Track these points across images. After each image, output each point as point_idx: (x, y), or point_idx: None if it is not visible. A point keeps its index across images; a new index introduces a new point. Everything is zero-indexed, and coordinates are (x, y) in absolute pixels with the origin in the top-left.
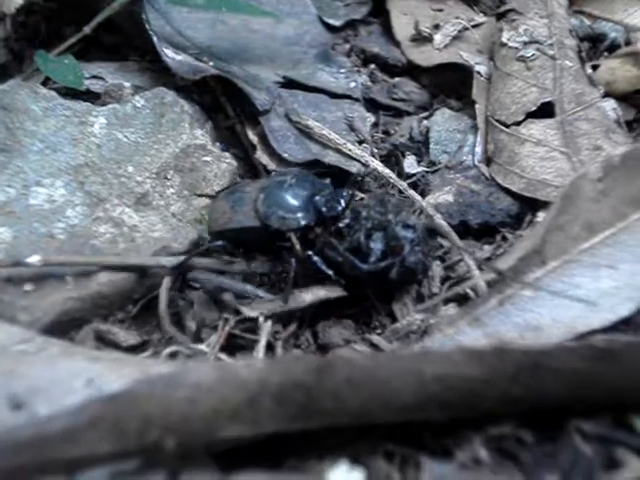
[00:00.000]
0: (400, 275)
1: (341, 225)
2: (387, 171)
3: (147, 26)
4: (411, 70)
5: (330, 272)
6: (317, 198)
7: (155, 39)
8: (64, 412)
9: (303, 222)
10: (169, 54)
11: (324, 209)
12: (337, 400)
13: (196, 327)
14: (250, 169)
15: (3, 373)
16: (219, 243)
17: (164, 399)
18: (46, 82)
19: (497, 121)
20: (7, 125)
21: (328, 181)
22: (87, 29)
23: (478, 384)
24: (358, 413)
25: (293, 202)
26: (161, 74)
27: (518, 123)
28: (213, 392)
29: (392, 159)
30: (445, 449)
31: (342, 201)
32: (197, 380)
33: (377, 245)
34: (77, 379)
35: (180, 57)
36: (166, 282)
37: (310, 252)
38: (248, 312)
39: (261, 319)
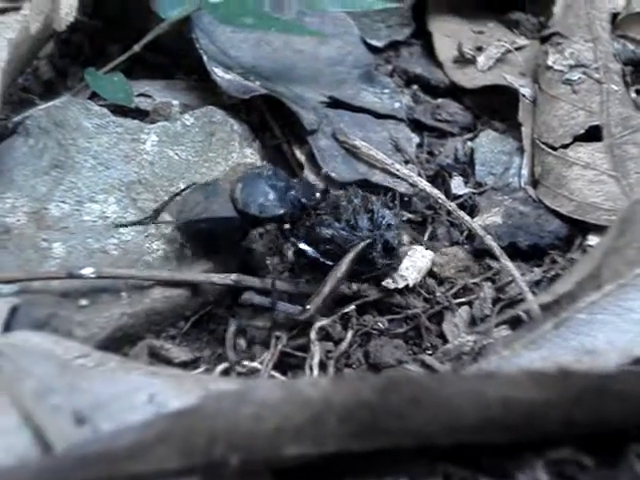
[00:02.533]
0: (383, 254)
1: (319, 213)
2: (435, 191)
3: (197, 45)
4: (454, 91)
5: (317, 255)
6: (294, 189)
7: (205, 58)
8: (132, 427)
9: (282, 210)
10: (219, 73)
11: (303, 199)
12: (400, 420)
13: (246, 344)
14: None
15: (66, 388)
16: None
17: (231, 416)
18: (91, 98)
19: (544, 144)
20: (59, 141)
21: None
22: (137, 47)
23: (540, 407)
24: (420, 433)
25: (271, 191)
26: (208, 93)
27: (565, 146)
28: (278, 410)
29: (438, 180)
30: (505, 472)
31: (317, 193)
32: (263, 397)
33: (365, 222)
34: (138, 394)
35: (229, 76)
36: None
37: (293, 239)
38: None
39: (313, 336)
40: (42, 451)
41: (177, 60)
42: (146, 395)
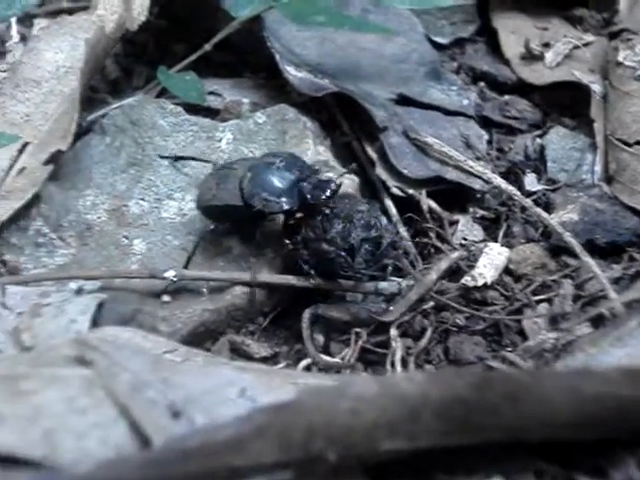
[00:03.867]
0: (365, 262)
1: (323, 215)
2: (511, 188)
3: (268, 43)
4: (521, 88)
5: (306, 266)
6: (303, 184)
7: (277, 56)
8: (230, 421)
9: (285, 206)
10: (291, 71)
11: (308, 196)
12: (495, 416)
13: (324, 340)
14: (367, 185)
15: (160, 382)
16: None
17: (328, 410)
18: (159, 97)
19: (618, 140)
20: (136, 140)
21: (317, 168)
22: (207, 46)
23: (634, 404)
24: (514, 429)
25: (278, 185)
26: (276, 91)
27: None
28: (375, 404)
29: (511, 176)
30: (597, 469)
31: (328, 190)
32: (360, 392)
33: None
34: (230, 389)
35: (301, 74)
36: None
37: (287, 241)
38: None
39: (393, 333)
40: (139, 444)
41: (243, 58)
42: (237, 389)
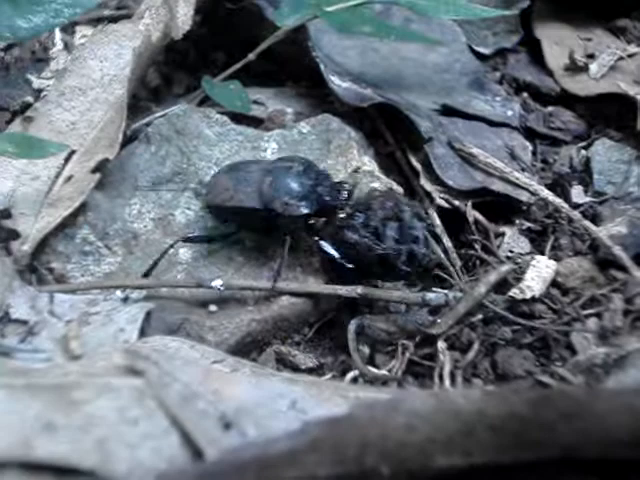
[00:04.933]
0: (407, 263)
1: (345, 214)
2: (558, 200)
3: (314, 53)
4: (565, 99)
5: (337, 255)
6: (320, 187)
7: (322, 66)
8: (285, 434)
9: (306, 210)
10: (335, 81)
11: (327, 198)
12: (551, 433)
13: (370, 352)
14: (410, 195)
15: (211, 393)
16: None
17: (383, 424)
18: (200, 105)
19: None
20: (181, 149)
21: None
22: (252, 56)
23: None
24: (570, 446)
25: (298, 189)
26: (319, 100)
27: None
28: (430, 420)
29: (557, 188)
30: None
31: (344, 192)
32: (415, 407)
33: (392, 232)
34: (280, 401)
35: (346, 84)
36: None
37: (316, 237)
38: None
39: (441, 345)
40: (191, 455)
41: (284, 67)
42: (288, 401)
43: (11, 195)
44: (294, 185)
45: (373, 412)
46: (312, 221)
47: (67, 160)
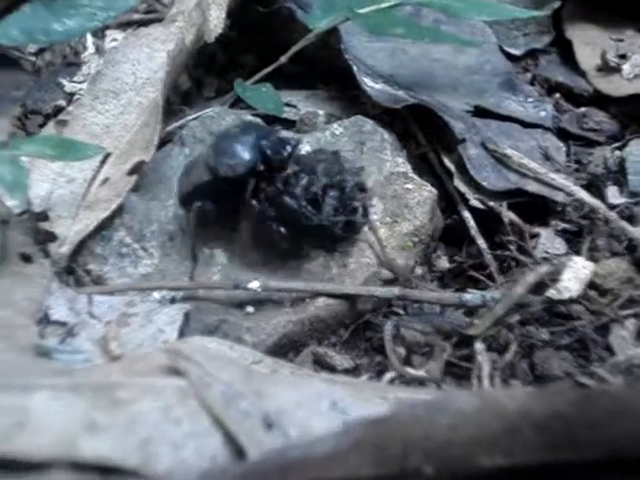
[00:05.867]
0: (345, 231)
1: (289, 172)
2: (594, 201)
3: (346, 56)
4: (598, 100)
5: (274, 224)
6: (263, 142)
7: (355, 68)
8: (328, 435)
9: (249, 164)
10: (368, 83)
11: (269, 151)
12: (596, 432)
13: (406, 353)
14: (443, 196)
15: (253, 393)
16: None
17: (427, 424)
18: (232, 107)
19: None
20: None
21: (277, 128)
22: (283, 59)
23: None
24: (614, 446)
25: (238, 148)
26: (351, 102)
27: None
28: (474, 420)
29: (592, 189)
30: None
31: (288, 147)
32: (459, 407)
33: (332, 201)
34: (321, 401)
35: (379, 86)
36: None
37: (254, 201)
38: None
39: (479, 348)
40: (233, 455)
41: (314, 70)
42: (328, 402)
43: (48, 198)
44: (233, 146)
45: (416, 412)
46: (262, 183)
47: (103, 163)
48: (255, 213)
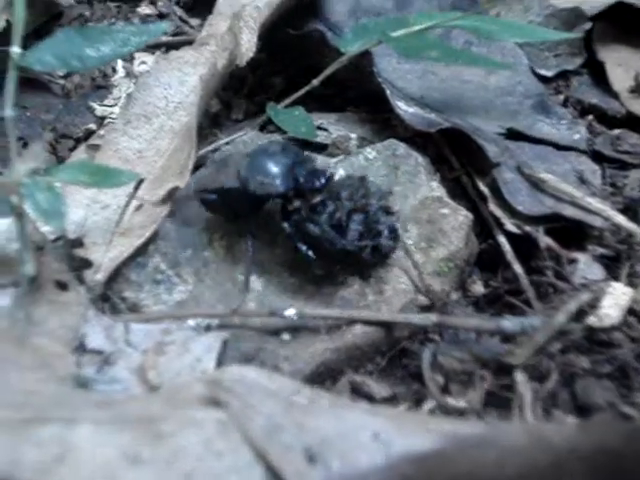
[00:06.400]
0: (373, 255)
1: (316, 200)
2: (632, 225)
3: (379, 79)
4: (632, 122)
5: (303, 247)
6: (298, 169)
7: (388, 92)
8: (373, 469)
9: (281, 189)
10: (402, 106)
11: (303, 180)
12: None
13: (444, 381)
14: (477, 221)
15: (294, 425)
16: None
17: (474, 460)
18: (261, 130)
19: None
20: None
21: (311, 155)
22: (315, 82)
23: None
24: None
25: (274, 169)
26: (382, 125)
27: None
28: (521, 455)
29: (629, 213)
30: None
31: (322, 177)
32: (506, 442)
33: (356, 226)
34: (363, 432)
35: (412, 109)
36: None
37: (286, 224)
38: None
39: (520, 377)
40: None
41: (344, 93)
42: (370, 433)
43: (82, 224)
44: (270, 164)
45: (463, 447)
46: (290, 207)
47: (136, 188)
48: (285, 237)
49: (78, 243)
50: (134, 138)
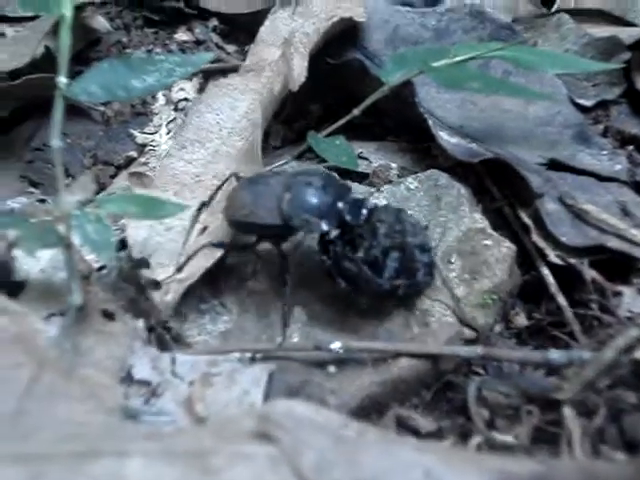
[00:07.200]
0: (407, 293)
1: (355, 234)
2: None
3: (421, 109)
4: None
5: (342, 283)
6: (340, 205)
7: (430, 122)
8: None
9: (325, 228)
10: (444, 137)
11: (347, 217)
12: None
13: (489, 416)
14: (520, 252)
15: (344, 461)
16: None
17: None
18: (299, 158)
19: None
20: None
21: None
22: (356, 111)
23: None
24: None
25: (318, 206)
26: (422, 155)
27: None
28: None
29: None
30: None
31: (364, 211)
32: None
33: (393, 263)
34: (413, 469)
35: (454, 140)
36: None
37: (325, 256)
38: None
39: (568, 412)
40: None
41: (383, 122)
42: (421, 470)
43: (144, 244)
44: (314, 202)
45: None
46: (326, 236)
47: (199, 210)
48: (326, 270)
49: (145, 263)
50: (190, 163)
